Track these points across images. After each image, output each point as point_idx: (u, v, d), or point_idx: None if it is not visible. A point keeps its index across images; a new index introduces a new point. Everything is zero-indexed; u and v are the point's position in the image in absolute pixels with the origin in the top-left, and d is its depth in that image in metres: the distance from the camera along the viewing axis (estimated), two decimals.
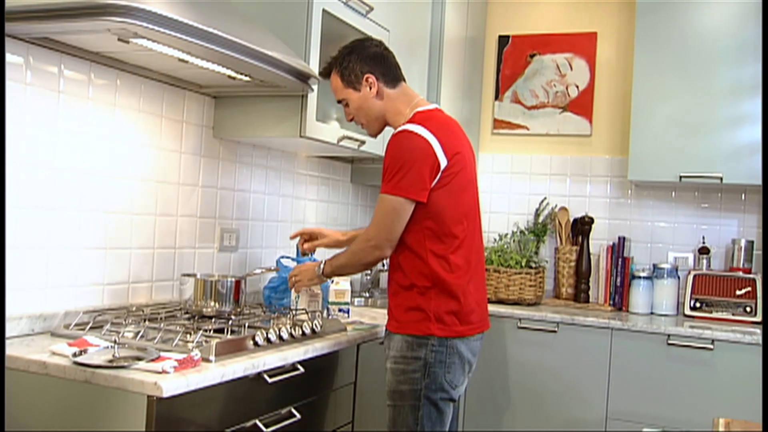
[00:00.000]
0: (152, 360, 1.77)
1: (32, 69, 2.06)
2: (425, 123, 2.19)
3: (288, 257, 2.93)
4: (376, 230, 2.19)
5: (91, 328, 2.10)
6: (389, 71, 2.31)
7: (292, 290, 2.61)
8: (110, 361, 1.76)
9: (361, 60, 2.28)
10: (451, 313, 2.17)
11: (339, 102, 2.38)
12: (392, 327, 2.24)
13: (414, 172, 2.11)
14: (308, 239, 2.71)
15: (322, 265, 2.39)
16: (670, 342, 3.14)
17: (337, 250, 2.49)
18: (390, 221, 2.15)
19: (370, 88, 2.29)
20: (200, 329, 2.07)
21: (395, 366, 2.20)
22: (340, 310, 2.77)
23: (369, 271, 3.74)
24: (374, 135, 2.42)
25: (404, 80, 2.37)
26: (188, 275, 2.39)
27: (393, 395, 2.20)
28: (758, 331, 3.11)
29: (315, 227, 2.83)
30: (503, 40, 4.21)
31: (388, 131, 2.33)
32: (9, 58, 1.99)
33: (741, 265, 3.54)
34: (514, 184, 4.15)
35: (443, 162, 2.15)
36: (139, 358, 1.78)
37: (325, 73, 2.38)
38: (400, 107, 2.31)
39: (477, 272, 2.28)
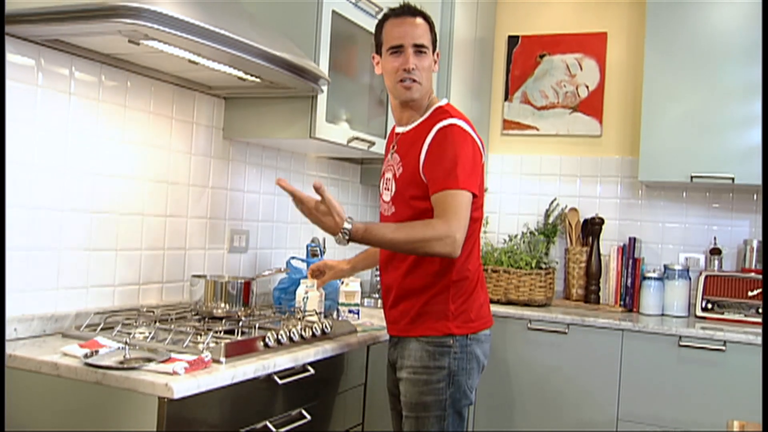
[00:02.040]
0: (163, 361, 1.77)
1: (43, 71, 2.06)
2: (464, 119, 2.15)
3: (298, 258, 2.93)
4: (459, 224, 1.97)
5: (102, 329, 2.11)
6: None
7: (302, 288, 2.59)
8: (121, 362, 1.77)
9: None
10: (468, 310, 2.14)
11: (417, 45, 2.15)
12: (404, 331, 2.17)
13: (471, 167, 2.06)
14: (317, 274, 2.61)
15: (348, 226, 1.95)
16: (681, 343, 3.12)
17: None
18: (466, 217, 2.02)
19: (435, 64, 2.23)
20: (210, 330, 2.07)
21: (416, 377, 2.12)
22: (350, 312, 2.76)
23: (378, 273, 3.73)
24: (416, 98, 2.17)
25: None
26: (198, 276, 2.40)
27: (415, 407, 2.13)
28: None
29: (321, 261, 2.68)
30: (513, 40, 4.20)
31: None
32: (21, 60, 2.00)
33: (753, 266, 3.51)
34: (524, 184, 4.14)
35: (484, 158, 2.17)
36: (149, 360, 1.78)
37: (417, 12, 2.21)
38: (429, 93, 2.25)
39: (482, 270, 2.28)
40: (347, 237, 1.95)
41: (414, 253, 2.08)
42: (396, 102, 2.25)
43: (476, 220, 2.15)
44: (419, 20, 2.18)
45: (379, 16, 2.91)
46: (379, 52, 2.24)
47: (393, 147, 2.27)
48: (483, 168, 2.18)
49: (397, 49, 2.15)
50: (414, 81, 2.14)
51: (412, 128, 2.21)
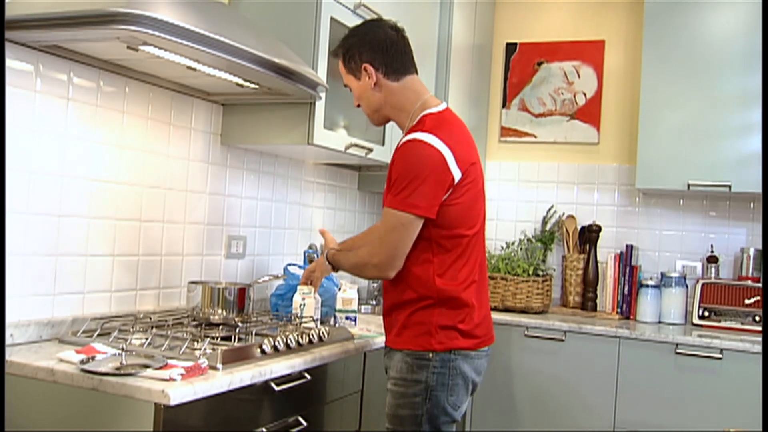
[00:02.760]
0: (159, 367, 1.77)
1: (42, 76, 2.06)
2: (437, 131, 2.01)
3: (295, 265, 2.93)
4: (380, 248, 2.03)
5: (98, 335, 2.11)
6: (394, 62, 2.13)
7: (298, 295, 2.59)
8: (118, 368, 1.76)
9: (364, 46, 2.12)
10: (452, 327, 2.04)
11: (345, 86, 2.26)
12: (391, 343, 2.12)
13: (426, 187, 1.95)
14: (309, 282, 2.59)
15: (326, 256, 2.32)
16: (678, 351, 3.12)
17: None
18: (396, 238, 1.99)
19: (368, 79, 2.13)
20: (207, 337, 2.08)
21: (395, 388, 2.07)
22: (347, 318, 2.76)
23: (376, 280, 3.74)
24: (377, 125, 2.29)
25: (416, 72, 2.20)
26: (195, 282, 2.39)
27: (393, 420, 2.07)
28: None
29: (305, 270, 2.62)
30: (511, 47, 4.21)
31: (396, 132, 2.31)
32: (19, 65, 2.00)
33: (750, 274, 3.52)
34: (522, 191, 4.15)
35: (457, 175, 2.00)
36: (146, 366, 1.78)
37: (334, 53, 2.26)
38: (404, 104, 2.14)
39: (481, 285, 2.15)
40: (326, 259, 2.32)
41: (361, 277, 2.25)
42: None
43: (461, 236, 2.06)
44: (339, 61, 2.22)
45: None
46: None
47: None
48: (463, 182, 2.03)
49: None
50: (366, 114, 2.25)
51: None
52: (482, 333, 2.12)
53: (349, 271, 2.27)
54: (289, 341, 2.18)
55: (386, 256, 2.01)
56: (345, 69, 2.19)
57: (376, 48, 2.12)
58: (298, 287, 2.61)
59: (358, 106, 2.24)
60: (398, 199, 1.97)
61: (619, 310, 3.72)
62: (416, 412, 2.02)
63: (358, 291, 2.86)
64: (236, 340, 2.09)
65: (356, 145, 2.84)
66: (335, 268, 2.33)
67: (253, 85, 2.40)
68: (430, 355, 2.02)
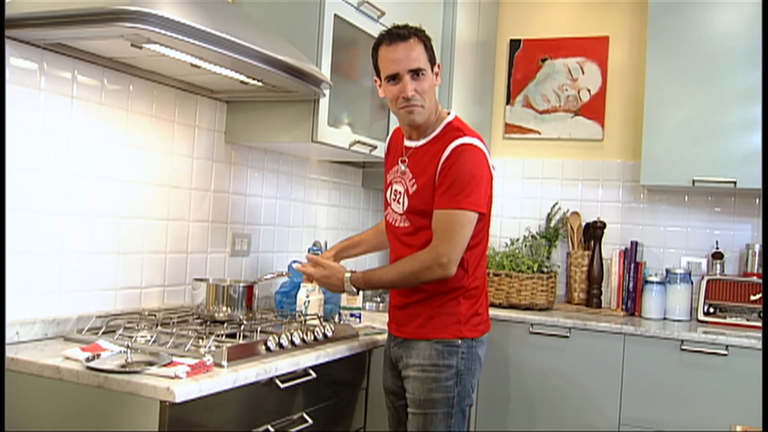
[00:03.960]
0: (165, 365, 1.77)
1: (46, 75, 2.07)
2: (477, 136, 2.20)
3: (299, 262, 2.92)
4: (452, 246, 2.09)
5: (103, 332, 2.11)
6: None
7: (303, 292, 2.60)
8: (123, 366, 1.77)
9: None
10: (476, 314, 2.23)
11: (414, 70, 2.13)
12: (414, 335, 2.23)
13: (481, 187, 2.13)
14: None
15: (348, 277, 2.23)
16: (683, 347, 3.11)
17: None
18: (462, 237, 2.11)
19: (436, 78, 2.23)
20: (212, 334, 2.08)
21: (425, 374, 2.18)
22: (351, 315, 2.76)
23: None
24: (420, 122, 2.19)
25: None
26: (200, 280, 2.40)
27: (423, 403, 2.18)
28: None
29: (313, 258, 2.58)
30: (515, 44, 4.20)
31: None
32: (23, 63, 2.00)
33: (755, 270, 3.51)
34: (526, 188, 4.14)
35: (493, 177, 2.23)
36: (151, 363, 1.78)
37: (408, 33, 2.15)
38: (436, 109, 2.25)
39: (486, 277, 2.39)
40: (353, 287, 2.23)
41: (413, 285, 2.19)
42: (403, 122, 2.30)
43: (485, 229, 2.27)
44: (413, 41, 2.14)
45: (381, 20, 2.94)
46: (379, 76, 2.24)
47: (403, 160, 2.29)
48: (492, 185, 2.24)
49: (394, 77, 2.16)
50: (416, 105, 2.16)
51: (425, 144, 2.24)
52: (488, 318, 2.34)
53: (390, 285, 2.24)
54: (293, 338, 2.19)
55: (457, 253, 2.11)
56: (427, 54, 2.17)
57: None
58: (302, 284, 2.62)
59: (411, 96, 2.14)
60: (461, 199, 2.10)
61: (623, 306, 3.71)
62: (449, 395, 2.18)
63: None
64: (241, 338, 2.10)
65: (360, 143, 2.84)
66: (358, 291, 2.27)
67: (257, 83, 2.40)
68: (459, 342, 2.19)
